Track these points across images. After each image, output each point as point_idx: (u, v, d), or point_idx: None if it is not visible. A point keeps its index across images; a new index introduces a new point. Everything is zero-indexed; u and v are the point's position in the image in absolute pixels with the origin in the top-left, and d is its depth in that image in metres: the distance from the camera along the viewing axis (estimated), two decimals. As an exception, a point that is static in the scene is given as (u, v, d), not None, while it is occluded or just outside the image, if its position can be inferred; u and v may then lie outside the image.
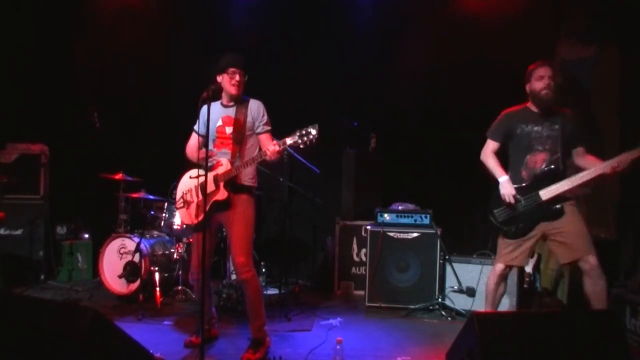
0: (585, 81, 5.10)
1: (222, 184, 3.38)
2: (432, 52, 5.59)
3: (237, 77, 3.45)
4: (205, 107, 3.47)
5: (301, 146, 3.14)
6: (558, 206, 3.37)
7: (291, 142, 3.15)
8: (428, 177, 5.70)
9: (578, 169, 3.39)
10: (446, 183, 5.60)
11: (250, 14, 5.88)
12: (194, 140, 3.70)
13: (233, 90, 3.46)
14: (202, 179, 3.26)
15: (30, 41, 5.71)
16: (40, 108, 5.70)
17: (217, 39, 5.67)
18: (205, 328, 3.56)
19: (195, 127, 3.67)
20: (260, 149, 3.53)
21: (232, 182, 3.41)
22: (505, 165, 3.59)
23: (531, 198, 3.42)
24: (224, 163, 3.42)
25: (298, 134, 3.12)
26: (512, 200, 3.44)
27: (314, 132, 3.08)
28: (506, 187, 3.47)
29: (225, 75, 3.45)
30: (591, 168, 3.30)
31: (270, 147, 3.22)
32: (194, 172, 3.55)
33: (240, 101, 3.53)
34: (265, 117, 3.55)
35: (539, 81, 3.40)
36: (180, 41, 5.86)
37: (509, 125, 3.54)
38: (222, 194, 3.39)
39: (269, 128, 3.56)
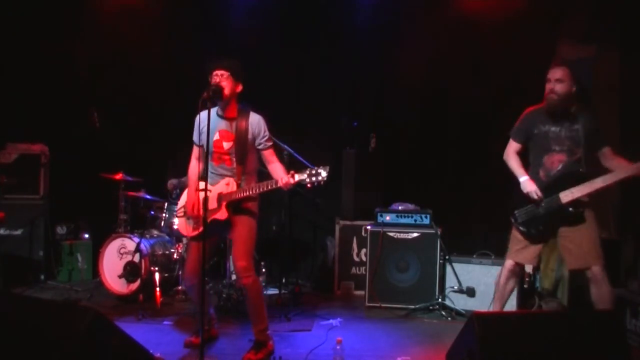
0: (585, 81, 5.09)
1: (224, 204, 3.36)
2: (432, 52, 5.58)
3: (216, 79, 3.34)
4: (198, 117, 3.46)
5: (308, 185, 3.11)
6: (580, 209, 3.31)
7: (299, 179, 3.12)
8: (428, 177, 5.69)
9: (607, 171, 3.29)
10: (446, 183, 5.60)
11: (250, 14, 5.87)
12: (194, 154, 3.59)
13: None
14: (201, 193, 3.22)
15: (30, 41, 5.71)
16: (40, 108, 5.69)
17: (217, 39, 5.67)
18: (205, 328, 3.56)
19: (195, 139, 3.57)
20: (270, 176, 3.45)
21: (234, 202, 3.39)
22: (526, 165, 3.55)
23: (551, 200, 3.36)
24: (230, 184, 3.38)
25: (307, 172, 3.09)
26: (537, 196, 3.36)
27: (324, 174, 3.05)
28: (529, 185, 3.41)
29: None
30: (617, 170, 3.23)
31: (284, 178, 3.17)
32: (200, 184, 3.49)
33: (239, 113, 3.45)
34: (267, 133, 3.49)
35: (547, 84, 3.35)
36: (181, 41, 5.85)
37: (529, 124, 3.48)
38: (222, 214, 3.37)
39: (270, 144, 3.52)
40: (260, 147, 3.49)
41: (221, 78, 3.35)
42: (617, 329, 2.61)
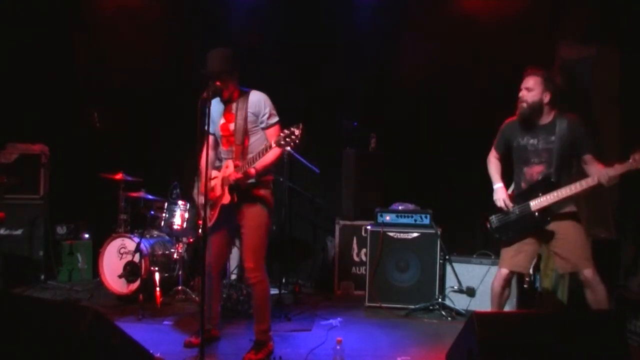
0: (585, 81, 5.09)
1: (226, 188, 3.35)
2: (432, 52, 5.58)
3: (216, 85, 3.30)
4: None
5: (287, 148, 3.07)
6: (548, 218, 3.34)
7: (275, 145, 3.07)
8: (428, 177, 5.69)
9: (580, 178, 3.30)
10: (446, 183, 5.60)
11: (250, 14, 5.87)
12: (207, 143, 3.52)
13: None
14: (212, 182, 3.21)
15: (30, 41, 5.71)
16: (40, 108, 5.69)
17: (217, 39, 5.63)
18: (207, 328, 3.57)
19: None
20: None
21: (237, 184, 3.35)
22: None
23: (523, 207, 3.41)
24: (229, 166, 3.37)
25: (282, 135, 3.03)
26: (504, 205, 3.45)
27: (297, 132, 2.99)
28: (498, 193, 3.52)
29: None
30: (585, 178, 3.25)
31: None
32: (213, 173, 3.49)
33: (240, 94, 3.42)
34: (268, 109, 3.40)
35: (519, 92, 3.37)
36: (181, 41, 5.86)
37: (508, 137, 3.53)
38: (226, 198, 3.36)
39: (274, 121, 3.43)
40: (262, 125, 3.42)
41: (220, 83, 3.32)
42: (617, 329, 2.61)
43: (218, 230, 3.51)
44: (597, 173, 3.19)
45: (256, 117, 3.41)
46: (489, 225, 3.56)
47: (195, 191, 3.72)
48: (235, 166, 3.33)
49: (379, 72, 5.84)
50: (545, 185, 3.34)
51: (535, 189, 3.38)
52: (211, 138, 3.48)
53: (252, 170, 3.25)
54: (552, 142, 3.34)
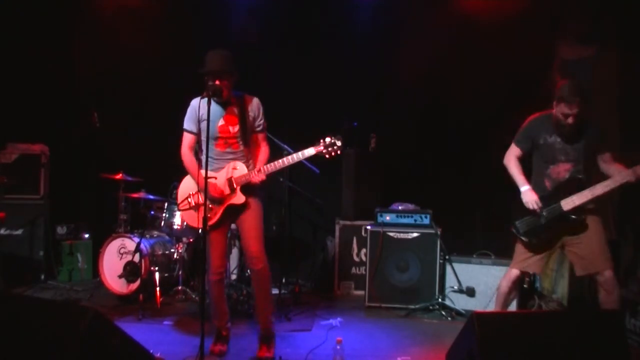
0: (585, 81, 5.09)
1: (238, 188, 3.36)
2: (432, 52, 5.58)
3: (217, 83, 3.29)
4: (193, 106, 3.44)
5: (326, 156, 3.20)
6: (581, 216, 3.28)
7: (316, 152, 3.17)
8: (428, 177, 5.69)
9: (604, 176, 3.28)
10: (446, 183, 5.59)
11: (250, 14, 5.87)
12: (188, 143, 3.51)
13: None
14: (209, 180, 3.19)
15: (30, 41, 5.71)
16: (40, 108, 5.69)
17: (217, 39, 5.64)
18: (224, 334, 3.59)
19: (186, 126, 3.50)
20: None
21: (247, 185, 3.39)
22: (528, 172, 3.52)
23: (553, 208, 3.33)
24: (239, 167, 3.38)
25: (323, 144, 3.17)
26: (537, 207, 3.34)
27: (339, 143, 3.17)
28: (529, 195, 3.38)
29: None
30: (615, 176, 3.22)
31: (302, 153, 3.28)
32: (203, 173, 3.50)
33: (236, 98, 3.44)
34: (262, 114, 3.50)
35: (564, 118, 3.24)
36: (181, 41, 5.85)
37: (534, 134, 3.43)
38: (239, 198, 3.37)
39: (265, 126, 3.54)
40: (258, 129, 3.50)
41: (220, 82, 3.31)
42: (617, 329, 2.61)
43: (220, 231, 3.50)
44: (626, 170, 3.16)
45: (254, 121, 3.47)
46: (514, 231, 3.46)
47: (183, 194, 3.61)
48: (258, 170, 3.35)
49: (379, 72, 5.83)
50: (575, 184, 3.29)
51: (565, 188, 3.31)
52: (193, 138, 3.48)
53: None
54: (579, 141, 3.31)
